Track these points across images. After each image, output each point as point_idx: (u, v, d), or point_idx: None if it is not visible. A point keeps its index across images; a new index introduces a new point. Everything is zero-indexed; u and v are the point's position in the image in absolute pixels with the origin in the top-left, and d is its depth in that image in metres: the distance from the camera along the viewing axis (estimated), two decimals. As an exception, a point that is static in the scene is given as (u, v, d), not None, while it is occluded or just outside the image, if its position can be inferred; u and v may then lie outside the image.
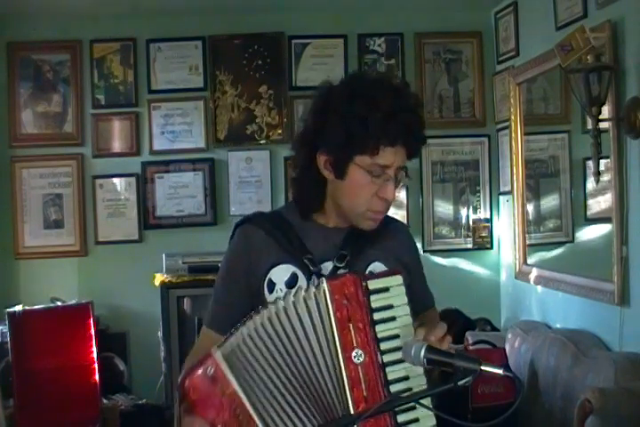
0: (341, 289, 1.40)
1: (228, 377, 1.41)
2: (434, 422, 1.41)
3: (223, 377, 1.41)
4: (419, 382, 1.40)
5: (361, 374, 1.36)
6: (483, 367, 1.26)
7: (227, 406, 1.41)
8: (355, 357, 1.37)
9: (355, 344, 1.37)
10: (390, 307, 1.43)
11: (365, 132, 1.52)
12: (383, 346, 1.40)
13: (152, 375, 4.19)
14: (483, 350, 3.70)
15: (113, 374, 4.13)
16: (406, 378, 1.40)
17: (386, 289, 1.44)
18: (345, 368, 1.36)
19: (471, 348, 3.79)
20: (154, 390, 4.17)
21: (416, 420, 1.40)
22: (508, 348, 3.71)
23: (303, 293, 1.41)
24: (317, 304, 1.40)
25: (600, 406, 2.54)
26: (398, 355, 1.39)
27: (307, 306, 1.40)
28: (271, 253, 1.63)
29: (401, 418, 1.38)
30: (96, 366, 3.92)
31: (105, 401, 3.96)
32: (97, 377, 3.91)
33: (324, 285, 1.40)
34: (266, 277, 1.61)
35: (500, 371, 1.26)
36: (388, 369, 1.39)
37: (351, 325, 1.38)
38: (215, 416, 1.40)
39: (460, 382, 1.27)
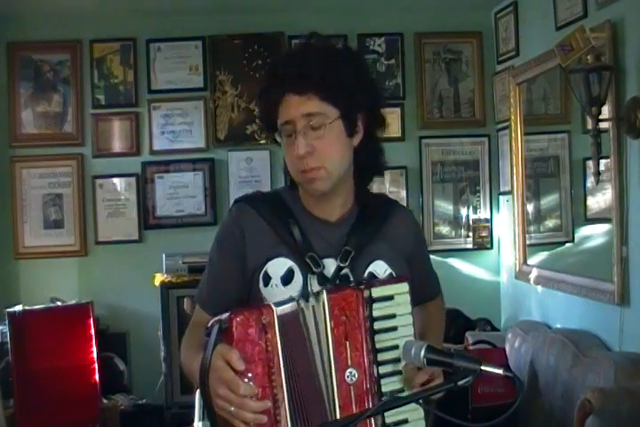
0: (341, 304, 1.37)
1: (277, 336, 1.33)
2: None
3: (273, 332, 1.33)
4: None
5: (352, 393, 1.36)
6: (483, 367, 1.26)
7: (264, 359, 1.31)
8: (348, 376, 1.36)
9: (349, 363, 1.36)
10: (393, 316, 1.41)
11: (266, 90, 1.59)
12: (381, 357, 1.39)
13: (152, 375, 4.18)
14: (483, 350, 3.70)
15: (113, 374, 4.13)
16: (401, 391, 1.40)
17: (390, 297, 1.42)
18: (337, 388, 1.35)
19: (471, 348, 3.79)
20: (154, 390, 4.17)
21: None
22: (507, 348, 3.71)
23: (302, 303, 1.39)
24: (315, 319, 1.38)
25: (600, 406, 2.53)
26: (396, 366, 1.39)
27: (304, 319, 1.38)
28: (269, 243, 1.59)
29: None
30: (96, 366, 3.93)
31: (105, 401, 3.97)
32: (97, 377, 3.91)
33: (324, 297, 1.37)
34: (262, 269, 1.58)
35: (499, 371, 1.25)
36: (383, 381, 1.38)
37: (348, 343, 1.36)
38: (250, 360, 1.30)
39: (460, 382, 1.26)
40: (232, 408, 1.29)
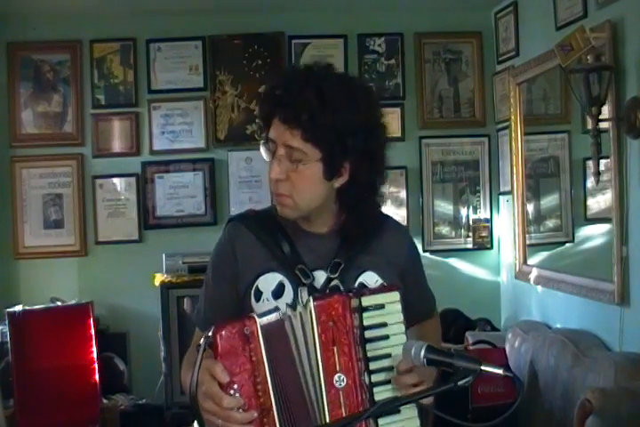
0: (328, 310, 1.37)
1: (261, 345, 1.34)
2: None
3: (257, 342, 1.34)
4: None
5: (342, 398, 1.35)
6: (483, 367, 1.26)
7: (249, 369, 1.33)
8: (336, 381, 1.36)
9: (337, 368, 1.36)
10: (384, 325, 1.40)
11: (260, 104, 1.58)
12: (372, 366, 1.38)
13: (152, 375, 4.18)
14: (483, 350, 3.71)
15: (113, 374, 4.13)
16: (395, 399, 1.38)
17: (381, 306, 1.41)
18: (326, 392, 1.35)
19: (471, 348, 3.80)
20: (154, 390, 4.17)
21: None
22: (507, 348, 3.71)
23: (290, 312, 1.39)
24: (303, 325, 1.37)
25: (600, 406, 2.53)
26: (389, 375, 1.38)
27: (292, 327, 1.38)
28: (260, 259, 1.59)
29: None
30: (96, 366, 3.93)
31: (105, 401, 3.96)
32: (97, 377, 3.91)
33: (311, 304, 1.37)
34: (253, 284, 1.58)
35: (499, 371, 1.25)
36: (375, 390, 1.38)
37: (335, 348, 1.36)
38: (236, 372, 1.32)
39: (460, 382, 1.26)
40: (219, 421, 1.30)
